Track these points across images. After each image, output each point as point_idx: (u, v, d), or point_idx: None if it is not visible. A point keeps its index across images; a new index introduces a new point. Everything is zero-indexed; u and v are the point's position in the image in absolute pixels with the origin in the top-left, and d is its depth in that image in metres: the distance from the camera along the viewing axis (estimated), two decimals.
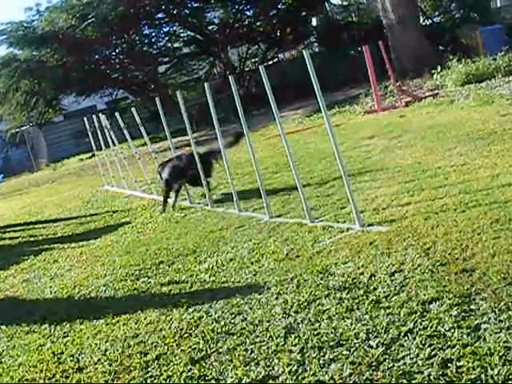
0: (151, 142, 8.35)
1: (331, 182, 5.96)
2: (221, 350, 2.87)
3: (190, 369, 2.77)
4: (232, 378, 2.61)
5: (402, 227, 4.00)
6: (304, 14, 21.76)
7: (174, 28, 22.31)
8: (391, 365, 2.40)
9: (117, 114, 8.39)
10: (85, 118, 10.09)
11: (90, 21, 18.67)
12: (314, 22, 23.60)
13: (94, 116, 9.47)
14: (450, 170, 5.29)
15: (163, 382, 2.74)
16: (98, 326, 3.61)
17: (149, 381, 2.78)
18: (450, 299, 2.78)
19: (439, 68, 12.61)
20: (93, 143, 10.45)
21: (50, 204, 10.30)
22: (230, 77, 5.26)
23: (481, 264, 3.08)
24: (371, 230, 4.11)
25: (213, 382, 2.63)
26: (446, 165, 5.51)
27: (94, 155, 10.81)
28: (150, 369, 2.88)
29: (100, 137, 9.60)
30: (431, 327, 2.59)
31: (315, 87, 4.18)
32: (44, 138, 24.13)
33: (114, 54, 21.75)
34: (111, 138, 8.97)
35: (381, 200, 4.86)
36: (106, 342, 3.33)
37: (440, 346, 2.44)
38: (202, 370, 2.73)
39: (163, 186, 6.96)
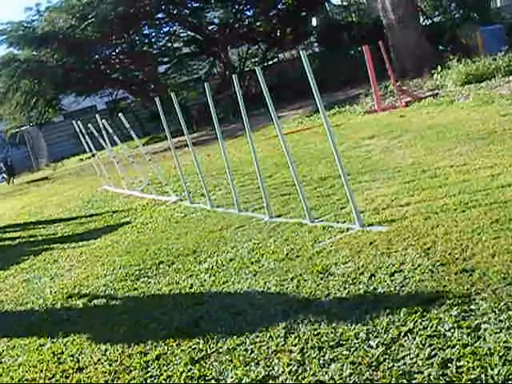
0: (152, 141, 8.35)
1: (331, 182, 5.96)
2: (221, 350, 2.87)
3: (190, 369, 2.77)
4: (232, 378, 2.61)
5: (402, 227, 4.00)
6: (304, 14, 21.78)
7: (174, 28, 22.33)
8: (391, 365, 2.40)
9: (120, 115, 8.39)
10: (77, 123, 10.02)
11: (90, 21, 18.68)
12: (314, 22, 23.63)
13: (91, 118, 9.44)
14: (449, 170, 5.29)
15: (163, 382, 2.74)
16: (98, 326, 3.61)
17: (149, 381, 2.78)
18: (450, 299, 2.78)
19: (439, 68, 12.61)
20: (86, 145, 10.40)
21: (50, 204, 10.31)
22: (233, 76, 5.26)
23: (481, 264, 3.08)
24: (371, 229, 4.11)
25: (213, 381, 2.63)
26: (445, 165, 5.51)
27: (94, 155, 10.80)
28: (149, 369, 2.88)
29: (98, 138, 9.59)
30: (431, 327, 2.59)
31: (313, 88, 4.18)
32: (44, 138, 24.15)
33: (114, 54, 21.76)
34: (109, 139, 8.96)
35: (381, 200, 4.86)
36: (106, 342, 3.33)
37: (440, 346, 2.44)
38: (202, 370, 2.73)
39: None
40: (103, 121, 8.80)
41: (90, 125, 9.49)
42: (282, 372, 2.55)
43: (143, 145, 13.82)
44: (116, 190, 9.70)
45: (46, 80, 19.53)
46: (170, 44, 22.34)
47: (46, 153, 24.07)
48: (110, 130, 8.74)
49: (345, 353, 2.57)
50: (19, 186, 17.38)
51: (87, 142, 10.13)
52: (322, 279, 3.43)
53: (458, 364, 2.29)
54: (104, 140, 9.14)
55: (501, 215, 3.72)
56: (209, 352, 2.89)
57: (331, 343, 2.67)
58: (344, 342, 2.65)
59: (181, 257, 4.69)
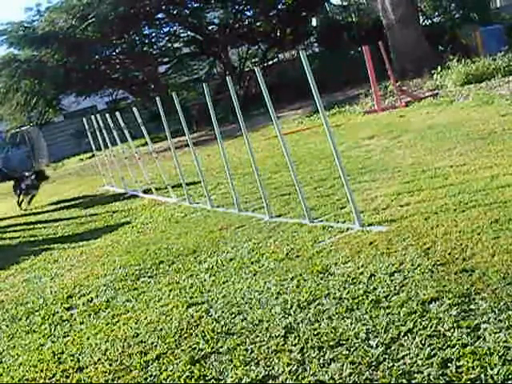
0: (152, 141, 8.36)
1: (331, 182, 5.96)
2: (221, 350, 2.87)
3: (190, 369, 2.78)
4: (232, 377, 2.62)
5: (401, 227, 4.00)
6: (304, 14, 21.78)
7: (174, 28, 22.32)
8: (391, 364, 2.40)
9: (117, 114, 8.40)
10: (84, 119, 10.09)
11: (90, 21, 18.69)
12: (314, 22, 23.63)
13: (93, 116, 9.46)
14: (449, 170, 5.29)
15: (163, 381, 2.75)
16: (98, 326, 3.61)
17: (149, 381, 2.79)
18: (449, 299, 2.79)
19: (439, 68, 12.62)
20: (92, 143, 10.47)
21: (50, 204, 10.30)
22: (227, 78, 5.28)
23: (481, 264, 3.09)
24: (371, 229, 4.11)
25: (213, 381, 2.63)
26: (445, 165, 5.52)
27: (94, 155, 10.81)
28: (149, 369, 2.88)
29: (99, 137, 9.60)
30: (431, 327, 2.60)
31: (312, 88, 4.18)
32: (44, 138, 24.15)
33: (114, 54, 21.76)
34: (113, 137, 8.98)
35: (381, 200, 4.86)
36: (106, 341, 3.33)
37: (440, 345, 2.44)
38: (202, 370, 2.73)
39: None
40: (107, 118, 8.81)
41: (87, 126, 9.51)
42: (282, 372, 2.55)
43: (143, 145, 13.84)
44: (116, 189, 9.70)
45: (46, 80, 19.52)
46: (170, 44, 22.34)
47: (47, 153, 24.06)
48: (114, 132, 8.76)
49: (345, 353, 2.57)
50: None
51: (89, 142, 10.17)
52: (322, 279, 3.43)
53: (458, 364, 2.30)
54: (104, 139, 9.15)
55: (500, 215, 3.73)
56: (209, 352, 2.89)
57: (331, 343, 2.67)
58: (344, 342, 2.65)
59: (181, 257, 4.69)
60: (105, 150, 10.02)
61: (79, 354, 3.26)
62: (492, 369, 2.22)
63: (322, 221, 4.65)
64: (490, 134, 6.38)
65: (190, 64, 22.94)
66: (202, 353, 2.89)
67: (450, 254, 3.32)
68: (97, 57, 21.21)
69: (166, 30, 22.23)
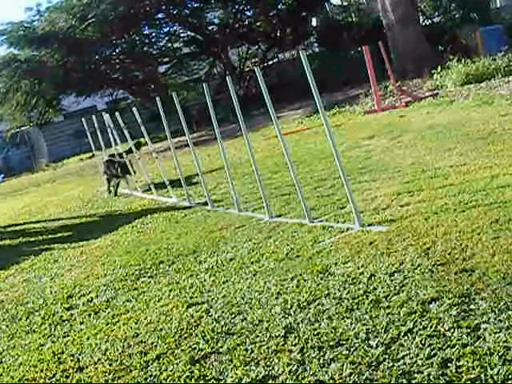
0: (151, 142, 8.36)
1: (331, 182, 5.96)
2: (221, 350, 2.87)
3: (190, 369, 2.78)
4: (232, 377, 2.62)
5: (401, 227, 4.00)
6: (304, 14, 21.79)
7: (174, 28, 22.33)
8: (391, 364, 2.40)
9: (117, 114, 8.40)
10: (83, 119, 10.09)
11: (90, 21, 18.69)
12: (314, 22, 23.64)
13: (93, 116, 9.46)
14: (449, 170, 5.29)
15: (163, 381, 2.75)
16: (98, 326, 3.61)
17: (149, 381, 2.79)
18: (449, 299, 2.79)
19: (439, 68, 12.62)
20: (92, 143, 10.46)
21: (51, 204, 10.30)
22: (227, 78, 5.28)
23: (480, 264, 3.09)
24: (371, 229, 4.11)
25: (213, 381, 2.64)
26: (445, 165, 5.52)
27: (93, 155, 10.80)
28: (149, 369, 2.88)
29: (100, 137, 9.60)
30: (431, 327, 2.60)
31: (312, 88, 4.18)
32: (44, 138, 24.16)
33: (114, 54, 21.76)
34: (113, 137, 8.98)
35: (381, 200, 4.86)
36: (106, 341, 3.33)
37: (440, 345, 2.44)
38: (202, 370, 2.73)
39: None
40: (107, 117, 8.80)
41: (87, 125, 9.51)
42: (282, 372, 2.55)
43: (143, 145, 13.83)
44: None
45: (46, 80, 19.51)
46: (170, 44, 22.34)
47: (46, 153, 24.08)
48: (114, 132, 8.76)
49: (345, 353, 2.57)
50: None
51: (89, 142, 10.17)
52: (321, 279, 3.43)
53: (458, 364, 2.30)
54: (105, 140, 9.16)
55: (500, 215, 3.73)
56: (209, 352, 2.89)
57: (331, 343, 2.67)
58: (344, 342, 2.65)
59: (181, 257, 4.69)
60: (105, 149, 10.02)
61: (79, 354, 3.26)
62: (492, 369, 2.22)
63: (322, 221, 4.65)
64: (490, 133, 6.38)
65: (190, 64, 22.93)
66: (202, 353, 2.89)
67: (449, 254, 3.33)
68: (97, 57, 21.20)
69: (165, 30, 22.25)
